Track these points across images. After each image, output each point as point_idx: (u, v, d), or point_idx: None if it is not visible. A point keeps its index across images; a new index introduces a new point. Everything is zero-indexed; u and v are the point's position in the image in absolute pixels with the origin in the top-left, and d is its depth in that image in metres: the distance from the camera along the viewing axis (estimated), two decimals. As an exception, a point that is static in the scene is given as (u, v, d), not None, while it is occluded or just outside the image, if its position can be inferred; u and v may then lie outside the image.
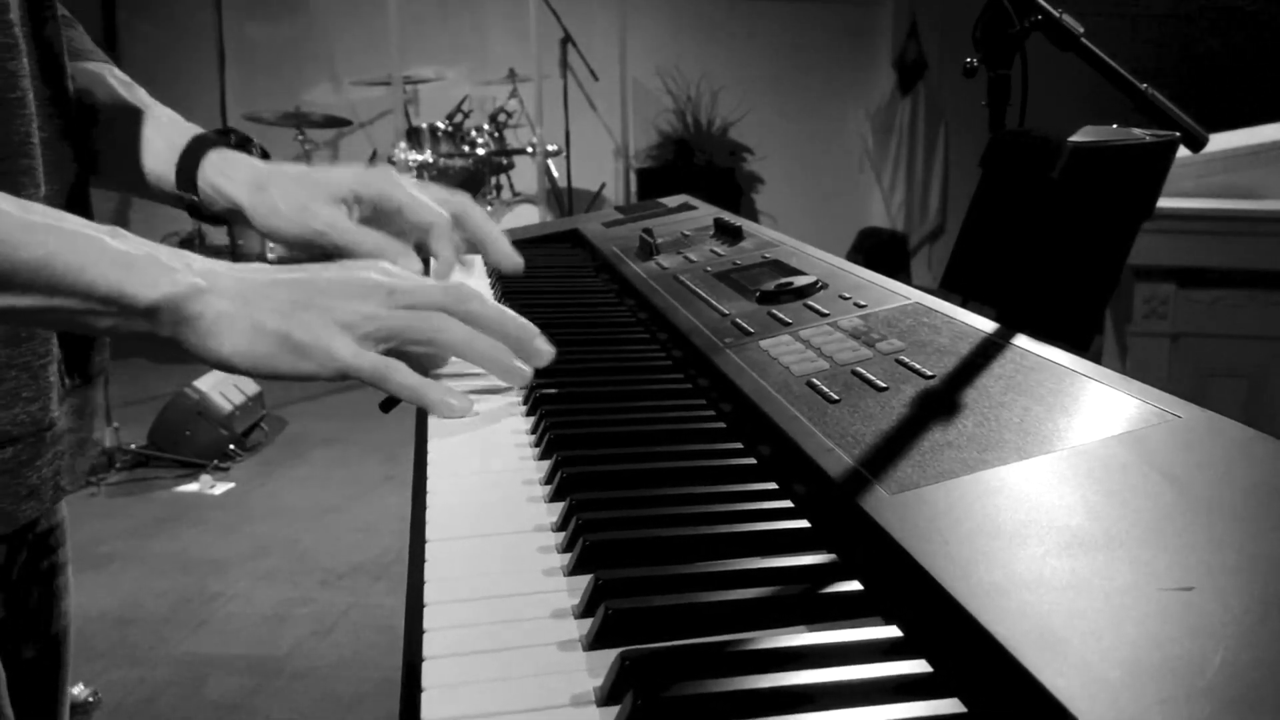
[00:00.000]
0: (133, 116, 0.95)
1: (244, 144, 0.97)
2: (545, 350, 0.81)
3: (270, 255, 5.29)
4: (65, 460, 0.84)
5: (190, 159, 0.93)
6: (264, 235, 0.93)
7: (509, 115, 5.99)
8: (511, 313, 0.80)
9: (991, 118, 1.14)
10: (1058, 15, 1.08)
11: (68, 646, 0.98)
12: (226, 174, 0.92)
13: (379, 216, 0.93)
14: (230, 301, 0.69)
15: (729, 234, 1.24)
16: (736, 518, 0.63)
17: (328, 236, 0.90)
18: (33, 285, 0.64)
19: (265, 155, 0.97)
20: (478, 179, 5.63)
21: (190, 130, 0.95)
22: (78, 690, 2.30)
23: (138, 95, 0.97)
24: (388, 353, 0.75)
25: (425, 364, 0.81)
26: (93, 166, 0.94)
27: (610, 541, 0.58)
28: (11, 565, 0.88)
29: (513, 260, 0.97)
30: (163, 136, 0.94)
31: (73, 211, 0.86)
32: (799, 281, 0.96)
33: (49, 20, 0.83)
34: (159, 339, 0.69)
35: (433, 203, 0.93)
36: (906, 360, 0.73)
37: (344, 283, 0.73)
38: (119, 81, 0.97)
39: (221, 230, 5.74)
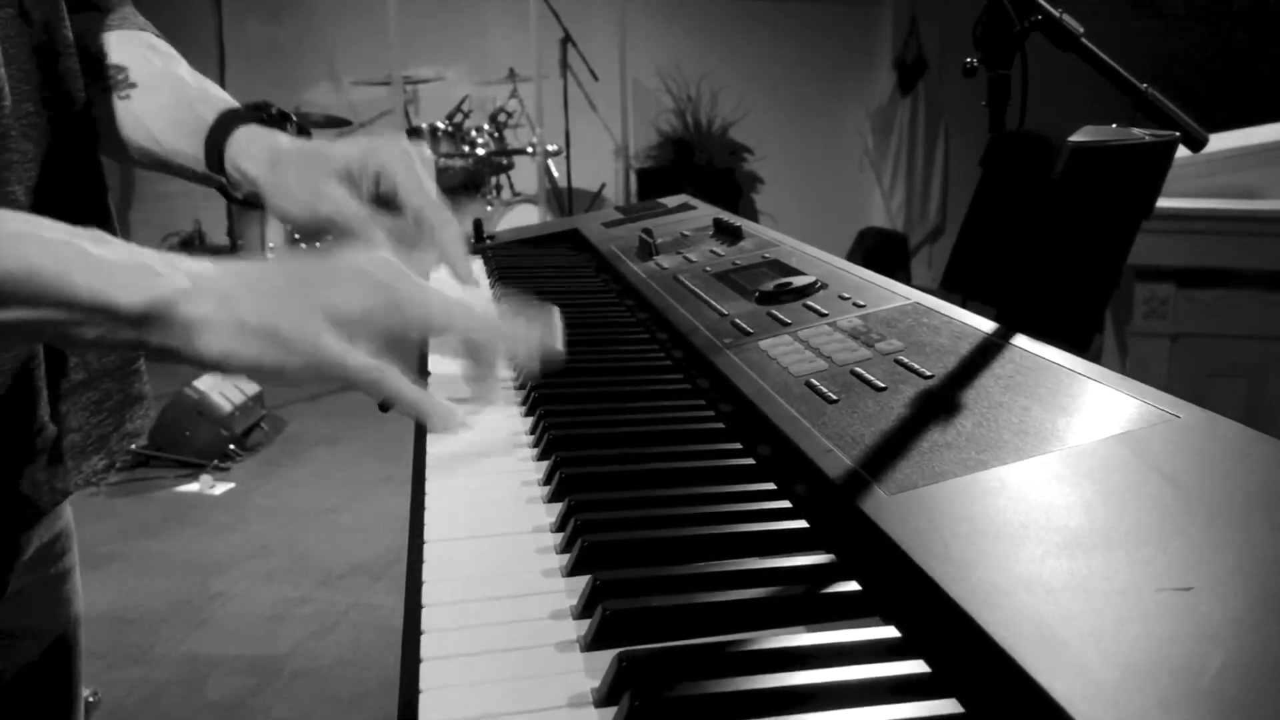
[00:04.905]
0: (166, 93, 0.90)
1: (282, 118, 0.90)
2: (556, 342, 0.73)
3: (269, 255, 5.27)
4: (68, 462, 0.82)
5: (218, 136, 0.87)
6: (277, 217, 0.87)
7: (509, 115, 5.98)
8: (518, 325, 0.73)
9: (991, 118, 1.14)
10: (1058, 15, 1.08)
11: (78, 652, 0.96)
12: (250, 153, 0.86)
13: (388, 193, 0.85)
14: (214, 300, 0.65)
15: (728, 234, 1.24)
16: (735, 518, 0.62)
17: (335, 222, 0.84)
18: (14, 297, 0.60)
19: (304, 131, 0.91)
20: (478, 179, 5.63)
21: (223, 104, 0.90)
22: (78, 691, 2.29)
23: (173, 68, 0.92)
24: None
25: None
26: (121, 146, 0.90)
27: (608, 542, 0.58)
28: (14, 575, 0.86)
29: (466, 273, 0.86)
30: (194, 113, 0.89)
31: (81, 199, 0.83)
32: (798, 281, 0.96)
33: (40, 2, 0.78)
34: (150, 349, 0.66)
35: (429, 188, 0.85)
36: (905, 360, 0.73)
37: (333, 268, 0.68)
38: (157, 53, 0.92)
39: (221, 229, 5.75)
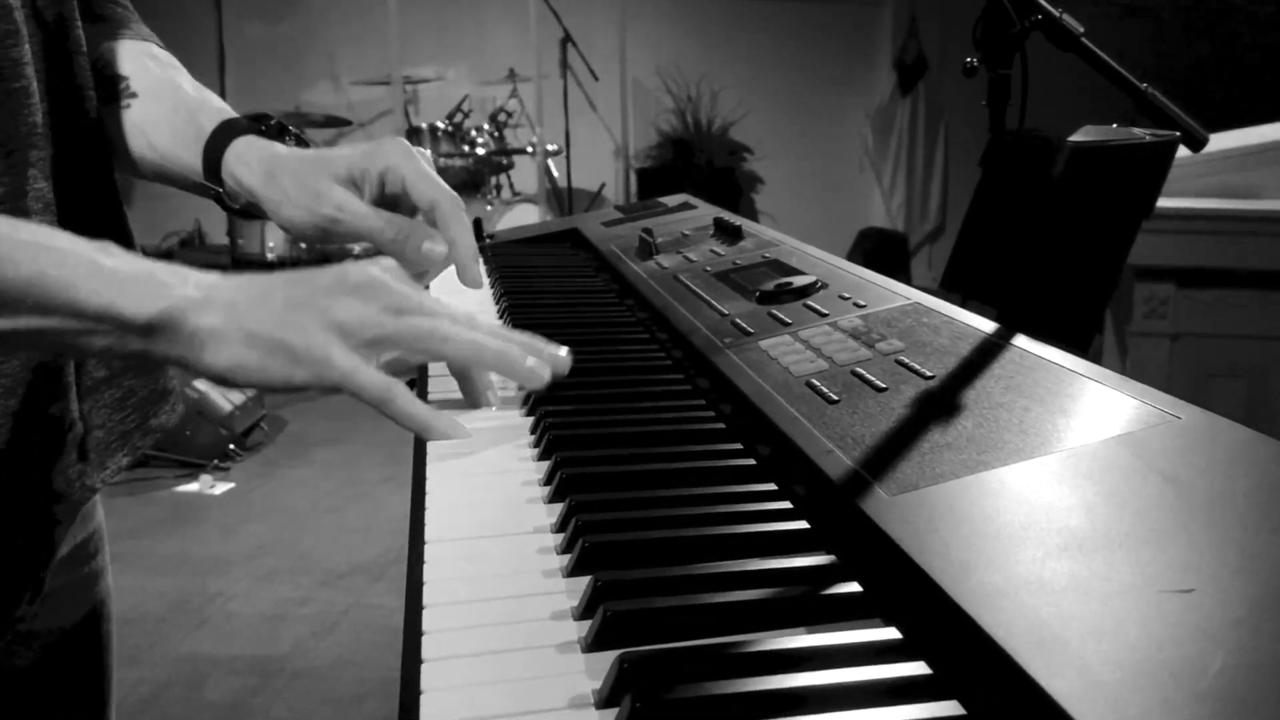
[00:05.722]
0: (165, 101, 0.89)
1: (281, 131, 0.90)
2: (561, 355, 0.77)
3: (269, 255, 5.28)
4: (95, 457, 0.82)
5: (215, 147, 0.87)
6: (281, 228, 0.86)
7: (509, 115, 5.99)
8: (514, 334, 0.77)
9: (991, 118, 1.14)
10: (1058, 15, 1.08)
11: (111, 654, 0.95)
12: (246, 162, 0.85)
13: (393, 195, 0.85)
14: (223, 313, 0.66)
15: (729, 234, 1.24)
16: (736, 519, 0.62)
17: (341, 222, 0.82)
18: (22, 305, 0.61)
19: (303, 143, 0.90)
20: (478, 179, 5.63)
21: (222, 115, 0.89)
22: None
23: (173, 77, 0.92)
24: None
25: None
26: (123, 154, 0.90)
27: (609, 543, 0.58)
28: (48, 574, 0.85)
29: (474, 278, 0.87)
30: (194, 124, 0.88)
31: (94, 200, 0.84)
32: (799, 281, 0.96)
33: (53, 2, 0.79)
34: (157, 360, 0.66)
35: (440, 182, 0.84)
36: (906, 361, 0.73)
37: (339, 282, 0.69)
38: (157, 62, 0.92)
39: (221, 229, 5.75)
